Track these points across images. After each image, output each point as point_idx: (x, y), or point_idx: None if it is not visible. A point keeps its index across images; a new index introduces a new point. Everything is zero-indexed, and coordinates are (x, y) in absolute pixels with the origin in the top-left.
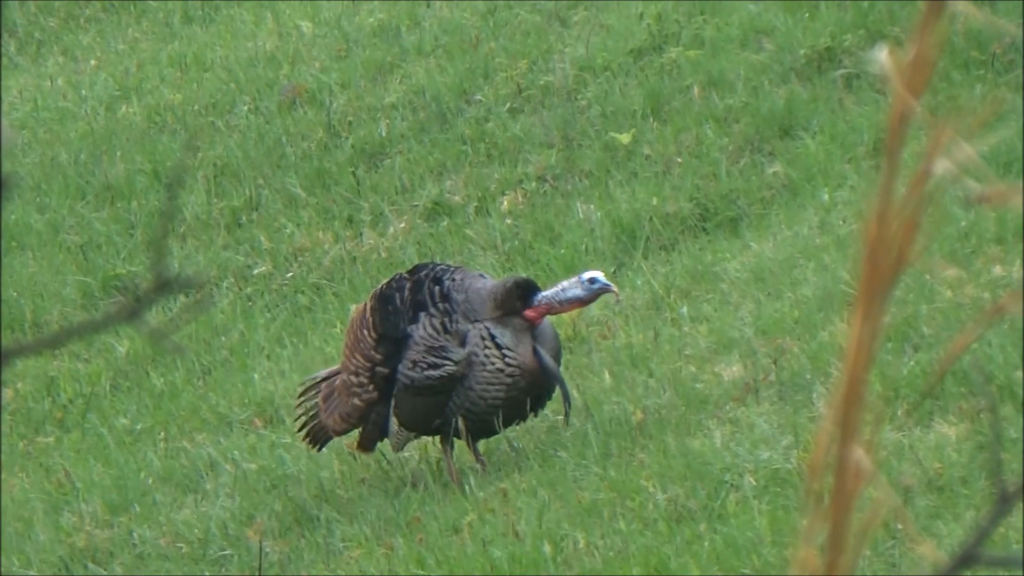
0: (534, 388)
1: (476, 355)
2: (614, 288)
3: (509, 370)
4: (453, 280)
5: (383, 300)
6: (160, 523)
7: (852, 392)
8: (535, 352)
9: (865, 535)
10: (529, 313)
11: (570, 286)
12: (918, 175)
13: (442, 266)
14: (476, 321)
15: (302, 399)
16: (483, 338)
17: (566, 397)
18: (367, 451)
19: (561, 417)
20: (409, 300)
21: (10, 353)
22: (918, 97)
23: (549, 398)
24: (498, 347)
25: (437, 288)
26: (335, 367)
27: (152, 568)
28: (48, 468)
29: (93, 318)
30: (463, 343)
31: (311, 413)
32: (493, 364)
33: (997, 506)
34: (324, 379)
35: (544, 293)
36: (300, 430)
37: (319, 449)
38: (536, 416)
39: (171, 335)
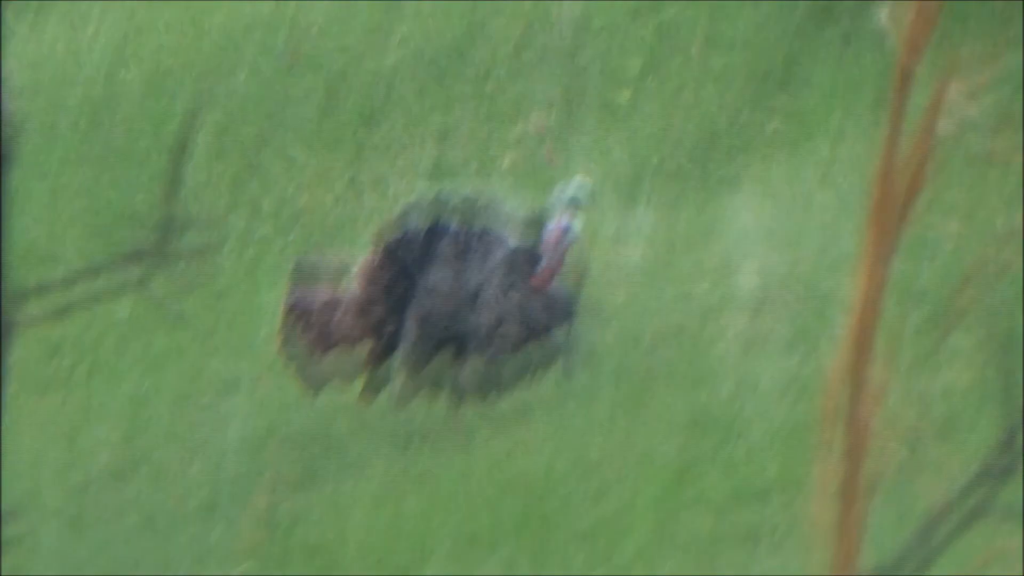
0: (542, 336)
1: (490, 302)
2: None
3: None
4: (471, 233)
5: (397, 246)
6: (168, 483)
7: (860, 348)
8: (548, 312)
9: (876, 485)
10: (535, 281)
11: (556, 211)
12: (921, 133)
13: (458, 222)
14: (492, 272)
15: (291, 324)
16: (500, 287)
17: (570, 356)
18: (369, 402)
19: (565, 369)
20: (424, 249)
21: (15, 324)
22: (920, 54)
23: (558, 342)
24: (515, 292)
25: (453, 240)
26: (326, 292)
27: (161, 528)
28: (53, 431)
29: (98, 286)
30: (477, 292)
31: (304, 348)
32: (510, 312)
33: (1004, 455)
34: (318, 310)
35: (544, 259)
36: (289, 360)
37: (315, 393)
38: (543, 363)
39: (177, 304)
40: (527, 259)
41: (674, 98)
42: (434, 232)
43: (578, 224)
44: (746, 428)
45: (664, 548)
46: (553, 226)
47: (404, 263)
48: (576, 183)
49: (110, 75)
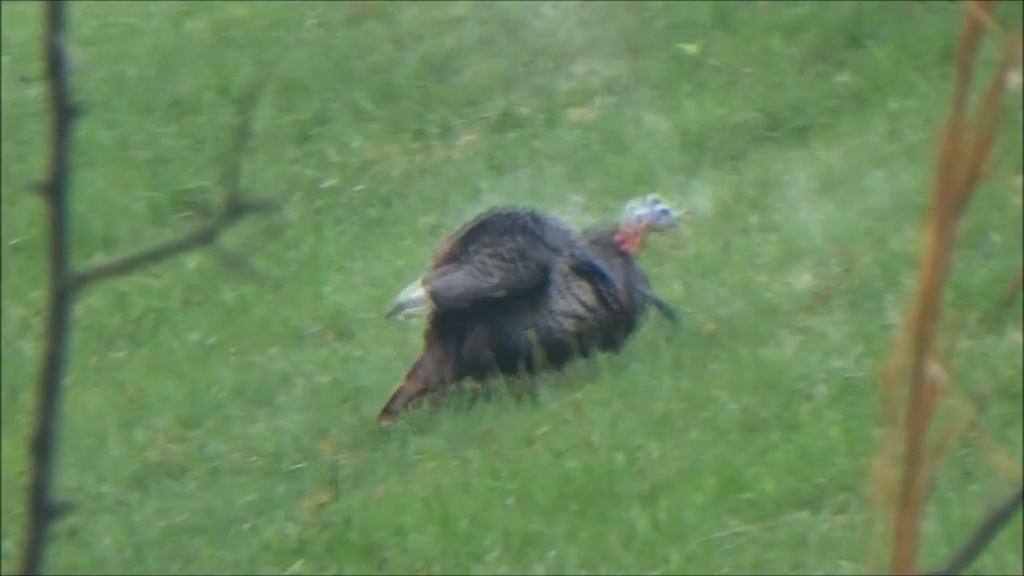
0: (616, 325)
1: (556, 280)
2: (679, 225)
3: (598, 302)
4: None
5: (479, 225)
6: (233, 437)
7: (927, 308)
8: (631, 289)
9: (942, 448)
10: (626, 246)
11: (645, 210)
12: (991, 89)
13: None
14: (574, 238)
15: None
16: (570, 267)
17: (668, 311)
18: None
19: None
20: (503, 225)
21: (81, 279)
22: (990, 7)
23: (631, 333)
24: (594, 274)
25: (532, 218)
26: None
27: (226, 482)
28: (120, 384)
29: (166, 242)
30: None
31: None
32: (576, 295)
33: None
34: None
35: (627, 215)
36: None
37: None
38: (617, 352)
39: (246, 259)
40: (608, 230)
41: (743, 50)
42: (512, 214)
43: (672, 211)
44: (811, 388)
45: (726, 511)
46: (638, 204)
47: (483, 239)
48: (652, 198)
49: (178, 25)
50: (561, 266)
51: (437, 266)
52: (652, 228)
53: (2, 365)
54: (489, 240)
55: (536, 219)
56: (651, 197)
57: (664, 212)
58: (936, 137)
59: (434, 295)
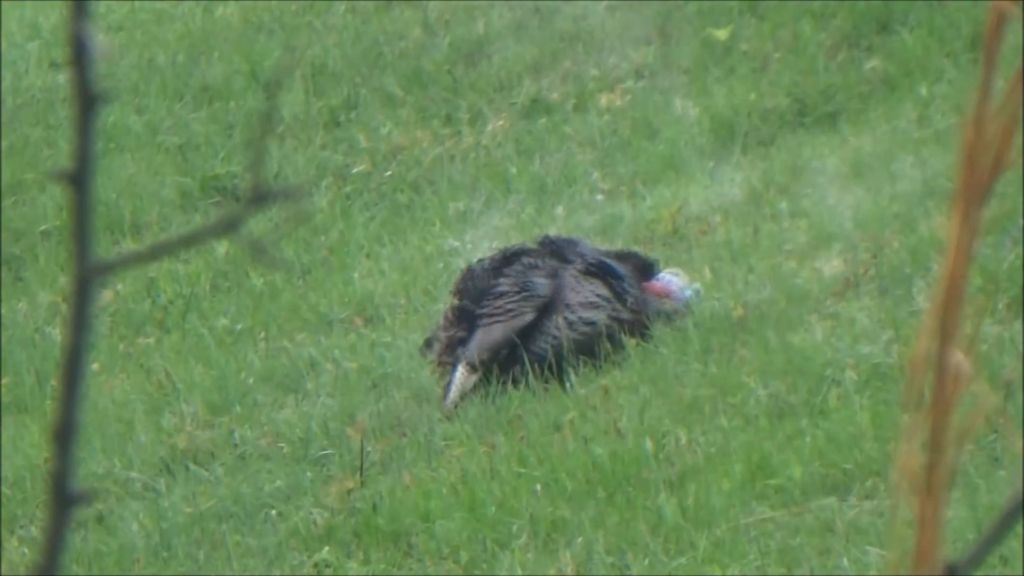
0: (636, 320)
1: (568, 282)
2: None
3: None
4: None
5: (511, 250)
6: (261, 423)
7: (951, 296)
8: (643, 293)
9: (966, 435)
10: (653, 287)
11: (679, 284)
12: (1015, 77)
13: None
14: (583, 257)
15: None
16: (579, 271)
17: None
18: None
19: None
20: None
21: (107, 267)
22: None
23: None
24: (607, 274)
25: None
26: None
27: (253, 468)
28: (148, 369)
29: (191, 230)
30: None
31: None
32: (592, 290)
33: None
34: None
35: (663, 275)
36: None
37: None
38: (644, 339)
39: (271, 246)
40: (644, 266)
41: (772, 36)
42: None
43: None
44: (839, 374)
45: (754, 497)
46: (678, 277)
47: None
48: (696, 287)
49: (208, 10)
50: (572, 271)
51: (446, 328)
52: (669, 297)
53: None
54: (493, 291)
55: (544, 241)
56: (696, 286)
57: (688, 300)
58: (962, 124)
59: (471, 363)
